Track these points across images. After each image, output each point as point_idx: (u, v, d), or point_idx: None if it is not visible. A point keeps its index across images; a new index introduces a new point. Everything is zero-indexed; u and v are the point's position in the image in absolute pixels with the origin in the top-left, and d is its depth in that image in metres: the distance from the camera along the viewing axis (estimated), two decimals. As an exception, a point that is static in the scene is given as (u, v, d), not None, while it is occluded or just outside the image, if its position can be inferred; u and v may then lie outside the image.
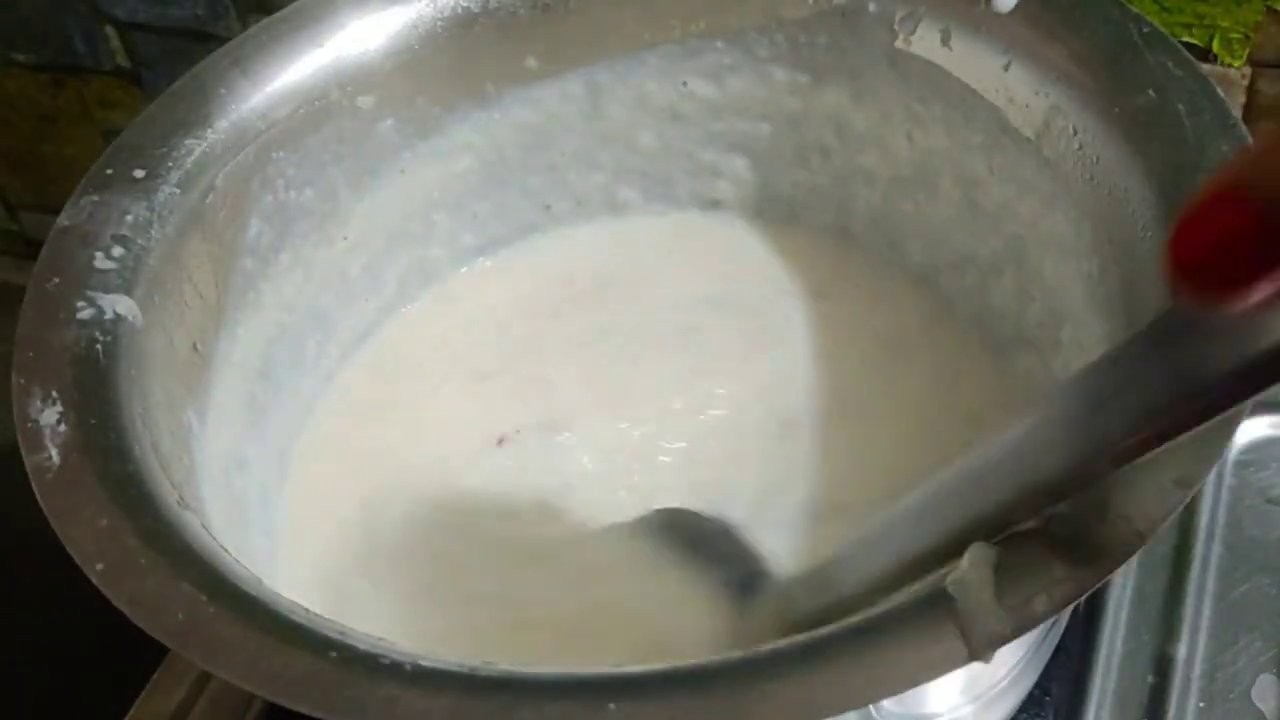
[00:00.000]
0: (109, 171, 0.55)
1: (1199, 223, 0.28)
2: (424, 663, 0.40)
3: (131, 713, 0.61)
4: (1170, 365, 0.34)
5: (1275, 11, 0.65)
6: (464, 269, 0.71)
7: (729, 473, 0.61)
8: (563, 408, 0.65)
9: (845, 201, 0.69)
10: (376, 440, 0.65)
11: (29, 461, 0.46)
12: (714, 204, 0.72)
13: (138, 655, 0.57)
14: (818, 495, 0.60)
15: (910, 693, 0.38)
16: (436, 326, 0.70)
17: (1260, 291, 0.28)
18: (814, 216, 0.70)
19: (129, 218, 0.54)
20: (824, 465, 0.61)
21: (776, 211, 0.71)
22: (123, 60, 0.89)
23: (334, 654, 0.40)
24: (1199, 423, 0.34)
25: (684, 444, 0.63)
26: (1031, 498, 0.39)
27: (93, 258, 0.52)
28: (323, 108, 0.61)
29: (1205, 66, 0.59)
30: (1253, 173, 0.28)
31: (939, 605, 0.39)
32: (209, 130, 0.58)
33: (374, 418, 0.66)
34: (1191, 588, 0.62)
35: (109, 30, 0.87)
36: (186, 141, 0.57)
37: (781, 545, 0.58)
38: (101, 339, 0.50)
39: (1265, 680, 0.59)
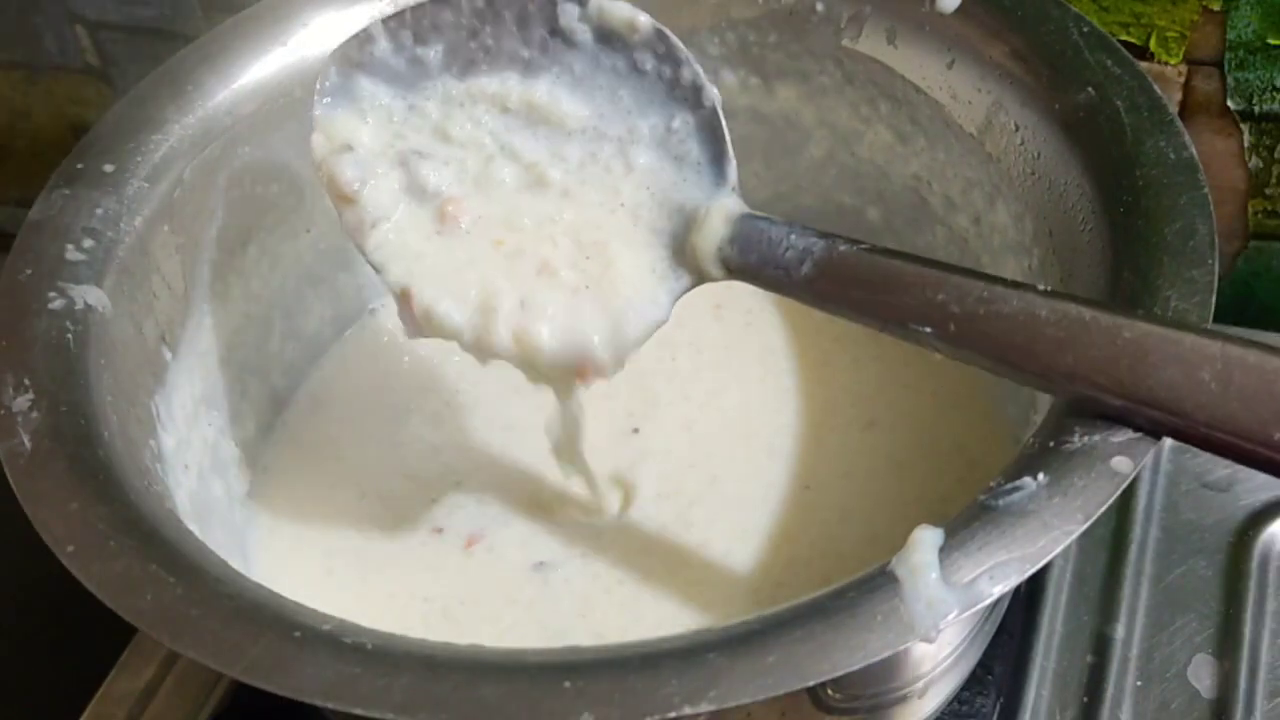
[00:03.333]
0: (79, 166, 0.56)
1: None
2: (385, 643, 0.41)
3: (101, 692, 0.61)
4: None
5: (1211, 11, 0.66)
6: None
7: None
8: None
9: (795, 198, 0.69)
10: (344, 436, 0.66)
11: (1, 447, 0.46)
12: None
13: (107, 636, 0.58)
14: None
15: (855, 671, 0.39)
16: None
17: None
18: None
19: (99, 211, 0.55)
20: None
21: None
22: (92, 58, 0.89)
23: (297, 634, 0.41)
24: None
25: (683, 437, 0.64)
26: None
27: (64, 250, 0.53)
28: (286, 104, 0.61)
29: (1143, 64, 0.61)
30: None
31: (884, 585, 0.40)
32: (176, 126, 0.58)
33: (340, 414, 0.67)
34: (1129, 570, 0.62)
35: (79, 29, 0.87)
36: (154, 137, 0.58)
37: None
38: (72, 328, 0.51)
39: (1201, 660, 0.59)
